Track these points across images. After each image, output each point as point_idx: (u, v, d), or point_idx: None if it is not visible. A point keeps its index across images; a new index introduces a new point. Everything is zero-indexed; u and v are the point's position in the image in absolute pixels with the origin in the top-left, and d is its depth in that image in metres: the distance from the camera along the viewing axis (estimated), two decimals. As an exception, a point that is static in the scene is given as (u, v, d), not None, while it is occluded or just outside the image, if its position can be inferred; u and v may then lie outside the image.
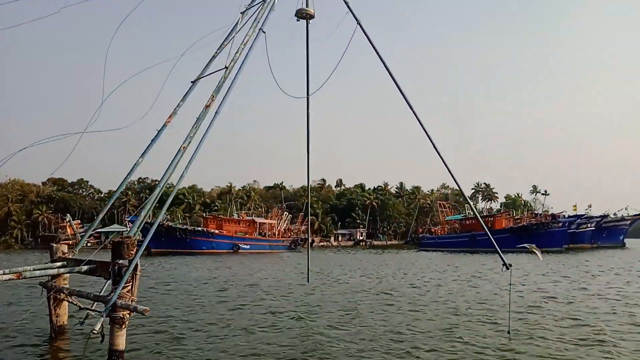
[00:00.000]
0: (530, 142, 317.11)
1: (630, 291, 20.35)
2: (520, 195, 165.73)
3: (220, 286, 23.18)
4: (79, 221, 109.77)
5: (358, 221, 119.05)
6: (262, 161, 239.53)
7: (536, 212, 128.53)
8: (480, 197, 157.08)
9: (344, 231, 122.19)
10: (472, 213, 75.47)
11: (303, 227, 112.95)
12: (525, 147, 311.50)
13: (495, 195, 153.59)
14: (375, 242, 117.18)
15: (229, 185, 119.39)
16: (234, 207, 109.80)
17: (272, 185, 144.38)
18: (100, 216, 12.63)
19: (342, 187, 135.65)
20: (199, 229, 65.61)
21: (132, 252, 8.65)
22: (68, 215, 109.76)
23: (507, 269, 9.96)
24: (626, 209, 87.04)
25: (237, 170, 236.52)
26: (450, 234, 75.01)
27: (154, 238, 66.73)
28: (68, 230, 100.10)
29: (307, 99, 13.50)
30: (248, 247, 68.34)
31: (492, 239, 11.34)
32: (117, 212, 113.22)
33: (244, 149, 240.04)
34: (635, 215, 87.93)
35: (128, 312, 8.31)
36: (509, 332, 10.71)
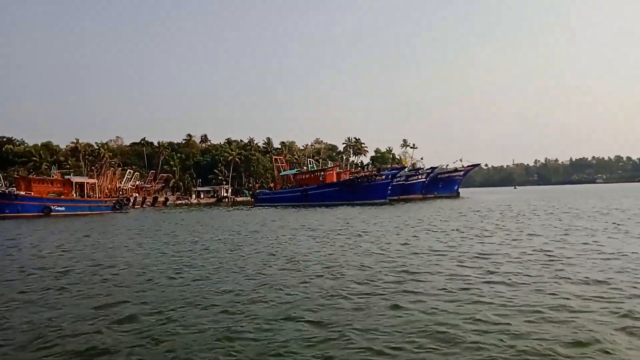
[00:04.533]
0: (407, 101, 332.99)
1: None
2: (391, 149, 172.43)
3: None
4: None
5: (220, 177, 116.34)
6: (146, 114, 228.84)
7: (405, 165, 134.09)
8: (351, 152, 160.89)
9: (207, 188, 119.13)
10: (306, 168, 76.01)
11: (159, 186, 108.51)
12: (402, 107, 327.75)
13: (365, 149, 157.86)
14: (239, 199, 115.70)
15: (74, 141, 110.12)
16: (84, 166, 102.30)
17: (138, 141, 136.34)
18: None
19: (208, 143, 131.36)
20: (-3, 190, 59.29)
21: None
22: None
23: None
24: (460, 160, 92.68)
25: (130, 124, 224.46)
26: (285, 189, 74.88)
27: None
28: None
29: None
30: (63, 209, 63.11)
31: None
32: None
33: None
34: (468, 166, 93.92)
35: None
36: None
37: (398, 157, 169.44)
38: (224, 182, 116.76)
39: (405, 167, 76.99)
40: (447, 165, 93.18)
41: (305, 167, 76.41)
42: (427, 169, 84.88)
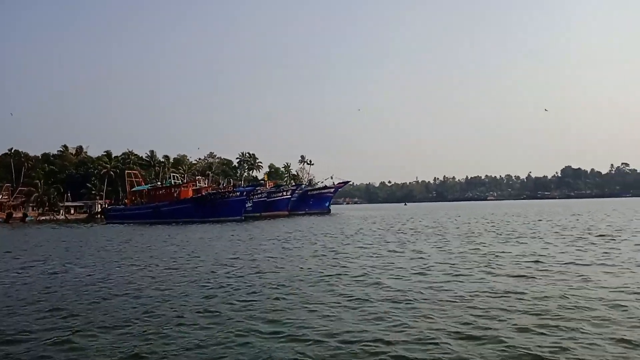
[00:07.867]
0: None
1: None
2: (289, 164, 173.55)
3: None
4: None
5: (93, 192, 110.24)
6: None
7: (301, 180, 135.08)
8: (246, 167, 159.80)
9: (79, 203, 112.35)
10: (161, 183, 73.88)
11: (18, 201, 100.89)
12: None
13: (260, 164, 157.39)
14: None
15: None
16: None
17: (9, 152, 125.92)
18: None
19: (83, 155, 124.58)
20: None
21: None
22: None
23: None
24: (331, 177, 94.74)
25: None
26: (138, 205, 72.16)
27: None
28: None
29: None
30: None
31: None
32: None
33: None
34: (338, 183, 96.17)
35: None
36: None
37: (295, 173, 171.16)
38: (98, 197, 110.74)
39: (259, 185, 76.95)
40: (321, 182, 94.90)
41: (160, 183, 74.10)
42: (292, 186, 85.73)
